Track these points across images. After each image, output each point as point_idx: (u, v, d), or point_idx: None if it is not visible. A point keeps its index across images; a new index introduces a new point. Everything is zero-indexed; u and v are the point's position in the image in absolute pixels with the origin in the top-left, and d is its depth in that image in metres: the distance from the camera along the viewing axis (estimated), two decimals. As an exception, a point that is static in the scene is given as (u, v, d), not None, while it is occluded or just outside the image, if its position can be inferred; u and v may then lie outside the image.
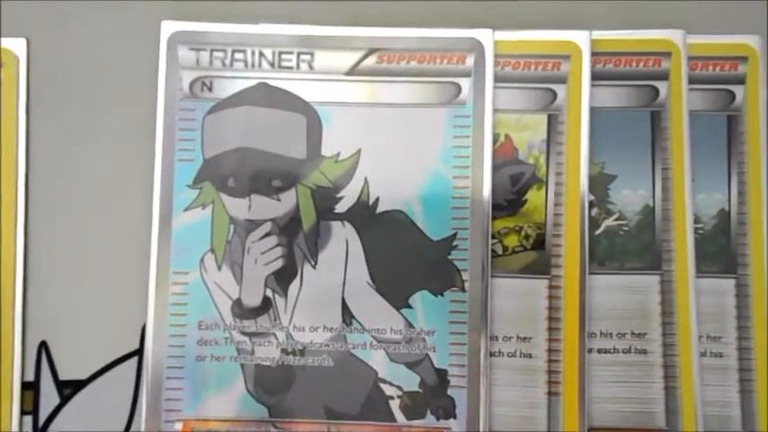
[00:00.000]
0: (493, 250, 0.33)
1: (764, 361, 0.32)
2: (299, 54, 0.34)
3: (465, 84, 0.33)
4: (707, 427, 0.32)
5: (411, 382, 0.32)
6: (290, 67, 0.34)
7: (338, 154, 0.33)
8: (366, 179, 0.33)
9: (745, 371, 0.32)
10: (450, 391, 0.32)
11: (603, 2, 0.34)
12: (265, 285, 0.33)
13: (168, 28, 0.34)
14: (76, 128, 0.34)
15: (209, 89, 0.34)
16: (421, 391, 0.32)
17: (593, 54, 0.33)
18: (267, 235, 0.33)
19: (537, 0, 0.34)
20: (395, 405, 0.32)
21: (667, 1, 0.34)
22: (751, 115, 0.33)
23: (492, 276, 0.33)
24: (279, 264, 0.33)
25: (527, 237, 0.33)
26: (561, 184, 0.33)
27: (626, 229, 0.33)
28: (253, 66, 0.34)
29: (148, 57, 0.34)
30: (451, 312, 0.32)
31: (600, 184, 0.33)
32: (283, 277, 0.33)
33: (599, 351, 0.32)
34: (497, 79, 0.33)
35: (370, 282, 0.33)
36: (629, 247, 0.33)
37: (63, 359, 0.33)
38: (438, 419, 0.32)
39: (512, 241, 0.33)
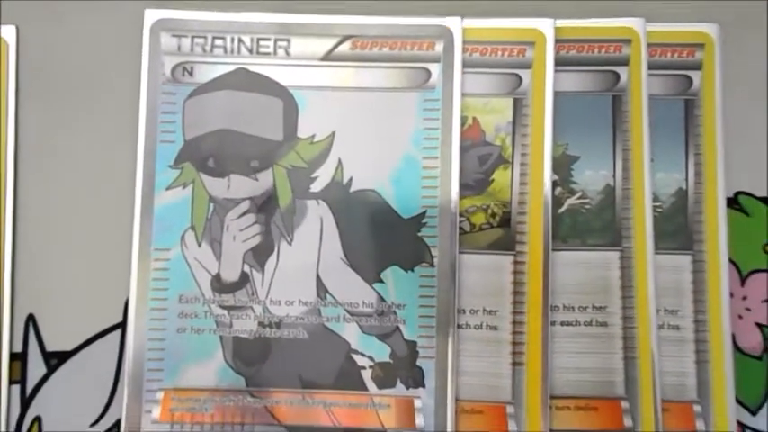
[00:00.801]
0: (461, 227, 0.34)
1: (719, 333, 0.34)
2: (276, 41, 0.35)
3: (435, 69, 0.35)
4: (664, 395, 0.33)
5: (382, 353, 0.34)
6: (268, 53, 0.35)
7: (313, 136, 0.35)
8: (340, 160, 0.35)
9: (700, 342, 0.34)
10: (419, 362, 0.33)
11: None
12: (243, 261, 0.34)
13: (151, 16, 0.35)
14: (64, 111, 0.35)
15: (190, 74, 0.35)
16: (391, 361, 0.34)
17: (557, 41, 0.35)
18: (245, 213, 0.34)
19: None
20: (366, 375, 0.34)
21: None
22: (707, 99, 0.35)
23: (460, 252, 0.34)
24: (256, 240, 0.34)
25: (493, 215, 0.34)
26: (526, 164, 0.34)
27: (588, 207, 0.35)
28: (232, 52, 0.35)
29: (132, 43, 0.35)
30: (421, 287, 0.34)
31: (563, 164, 0.35)
32: (260, 253, 0.34)
33: (562, 324, 0.34)
34: (466, 65, 0.35)
35: (344, 258, 0.34)
36: (591, 224, 0.34)
37: (49, 331, 0.34)
38: (408, 388, 0.33)
39: (479, 219, 0.35)
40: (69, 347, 0.34)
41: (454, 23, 0.35)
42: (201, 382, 0.34)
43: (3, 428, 0.34)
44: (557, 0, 0.35)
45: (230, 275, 0.34)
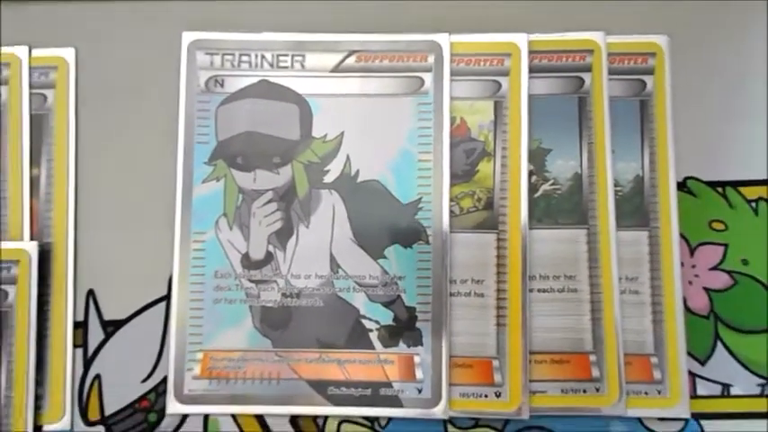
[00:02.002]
0: (451, 211, 0.39)
1: (672, 296, 0.38)
2: (292, 56, 0.41)
3: (427, 77, 0.40)
4: (625, 350, 0.38)
5: (386, 317, 0.39)
6: (286, 67, 0.41)
7: (325, 135, 0.40)
8: (348, 155, 0.40)
9: (656, 305, 0.38)
10: (417, 325, 0.38)
11: (540, 8, 0.41)
12: (268, 242, 0.39)
13: (188, 37, 0.41)
14: (116, 119, 0.41)
15: (221, 85, 0.40)
16: (394, 324, 0.39)
17: (531, 52, 0.40)
18: (269, 202, 0.40)
19: (486, 8, 0.41)
20: (374, 336, 0.39)
21: (592, 2, 0.41)
22: (659, 99, 0.40)
23: (451, 232, 0.39)
24: (279, 225, 0.39)
25: (479, 199, 0.40)
26: (506, 156, 0.40)
27: (559, 192, 0.40)
28: (256, 66, 0.41)
29: (172, 60, 0.41)
30: (419, 261, 0.39)
31: (538, 156, 0.40)
32: (282, 235, 0.39)
33: (538, 290, 0.39)
34: (453, 73, 0.40)
35: (353, 238, 0.39)
36: (562, 206, 0.39)
37: (106, 303, 0.40)
38: (408, 347, 0.38)
39: (467, 203, 0.40)
40: (123, 317, 0.39)
41: (443, 39, 0.40)
42: (234, 344, 0.39)
43: (68, 386, 0.39)
44: (530, 15, 0.41)
45: (257, 254, 0.39)
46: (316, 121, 0.40)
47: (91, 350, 0.39)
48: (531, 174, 0.39)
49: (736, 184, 0.40)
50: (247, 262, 0.39)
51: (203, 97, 0.40)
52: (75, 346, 0.39)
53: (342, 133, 0.40)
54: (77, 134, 0.41)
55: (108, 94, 0.41)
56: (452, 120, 0.40)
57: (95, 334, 0.39)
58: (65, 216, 0.40)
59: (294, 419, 0.39)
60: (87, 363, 0.39)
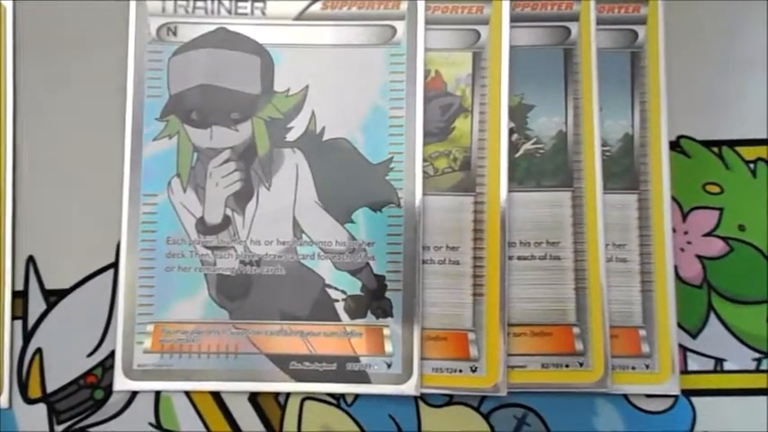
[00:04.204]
0: (425, 172, 0.37)
1: (662, 265, 0.36)
2: (252, 2, 0.37)
3: (400, 26, 0.37)
4: (612, 321, 0.35)
5: (354, 286, 0.36)
6: (246, 14, 0.38)
7: (288, 89, 0.37)
8: (313, 111, 0.37)
9: (645, 273, 0.36)
10: (387, 294, 0.36)
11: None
12: (225, 205, 0.37)
13: (137, -20, 0.38)
14: (58, 69, 0.38)
15: (174, 34, 0.37)
16: (362, 294, 0.36)
17: None
18: (227, 161, 0.37)
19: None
20: (340, 307, 0.36)
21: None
22: (651, 52, 0.37)
23: (424, 195, 0.37)
24: (237, 186, 0.37)
25: (455, 159, 0.37)
26: (485, 113, 0.37)
27: (542, 152, 0.37)
28: (212, 12, 0.38)
29: (120, 6, 0.37)
30: (389, 226, 0.36)
31: (519, 113, 0.37)
32: (241, 198, 0.37)
33: (518, 258, 0.36)
34: (428, 21, 0.37)
35: (318, 201, 0.37)
36: (545, 167, 0.37)
37: (48, 271, 0.37)
38: (377, 318, 0.36)
39: (441, 163, 0.37)
40: (66, 286, 0.37)
41: (417, -16, 0.37)
42: (188, 315, 0.36)
43: (7, 361, 0.36)
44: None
45: (213, 218, 0.37)
46: (278, 73, 0.37)
47: (31, 322, 0.37)
48: (511, 132, 0.37)
49: (732, 144, 0.37)
50: (203, 227, 0.36)
51: (154, 47, 0.37)
52: (13, 317, 0.36)
53: (306, 87, 0.37)
54: (15, 88, 0.37)
55: (49, 44, 0.38)
56: (427, 73, 0.37)
57: (36, 304, 0.37)
58: (1, 176, 0.37)
59: (253, 397, 0.36)
60: (27, 335, 0.36)
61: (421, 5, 0.37)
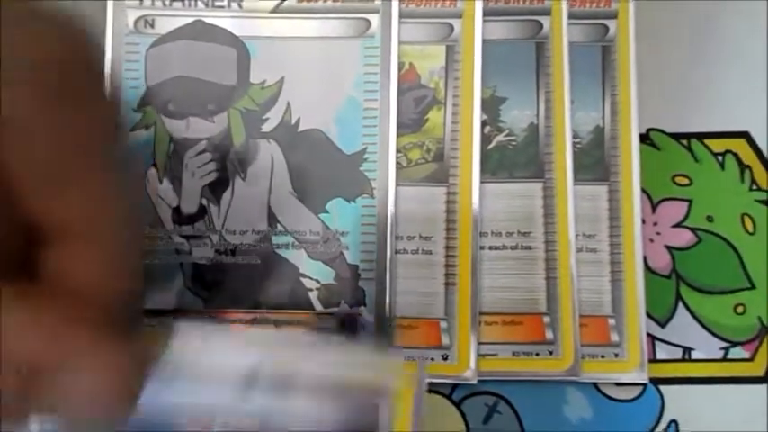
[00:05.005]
0: (398, 162, 0.37)
1: (632, 255, 0.36)
2: (229, -5, 0.38)
3: (374, 19, 0.38)
4: (582, 311, 0.36)
5: (327, 276, 0.36)
6: (222, 6, 0.38)
7: (264, 81, 0.38)
8: (289, 103, 0.37)
9: (615, 263, 0.36)
10: (360, 283, 0.36)
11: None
12: (201, 195, 0.37)
13: (115, -27, 0.38)
14: None
15: (152, 26, 0.38)
16: (336, 283, 0.36)
17: None
18: (202, 152, 0.37)
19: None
20: (314, 296, 0.36)
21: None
22: (622, 45, 0.38)
23: (398, 185, 0.37)
24: (213, 176, 0.37)
25: (428, 150, 0.37)
26: (458, 105, 0.37)
27: (514, 144, 0.37)
28: (189, 5, 0.38)
29: (98, -2, 0.38)
30: (363, 216, 0.37)
31: (492, 105, 0.38)
32: (217, 188, 0.37)
33: (490, 248, 0.37)
34: (402, 15, 0.37)
35: (293, 191, 0.37)
36: (517, 159, 0.37)
37: None
38: (351, 307, 0.36)
39: (415, 155, 0.37)
40: None
41: (392, -22, 0.38)
42: (164, 304, 0.36)
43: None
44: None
45: (189, 208, 0.37)
46: (254, 65, 0.37)
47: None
48: (484, 124, 0.37)
49: (701, 137, 0.38)
50: (178, 217, 0.37)
51: (132, 38, 0.37)
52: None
53: (282, 79, 0.37)
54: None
55: (28, 34, 0.38)
56: (401, 65, 0.37)
57: (13, 293, 0.37)
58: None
59: (228, 385, 0.36)
60: None
61: (395, -1, 0.38)
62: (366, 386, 0.24)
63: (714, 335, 0.36)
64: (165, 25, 0.38)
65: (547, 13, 0.38)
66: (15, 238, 0.21)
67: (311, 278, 0.36)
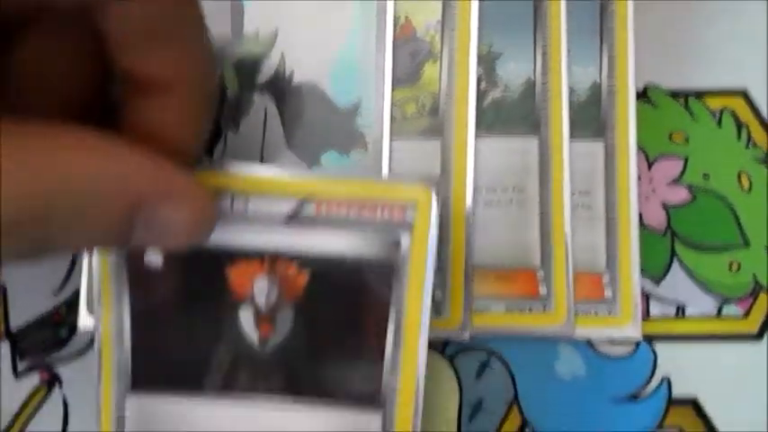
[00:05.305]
0: (393, 116, 0.37)
1: (627, 212, 0.36)
2: (223, -56, 0.38)
3: (370, -28, 0.37)
4: (575, 267, 0.35)
5: None
6: (216, -44, 0.38)
7: (258, 33, 0.37)
8: (282, 55, 0.37)
9: (610, 220, 0.36)
10: None
11: None
12: None
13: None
14: None
15: (145, -25, 0.38)
16: None
17: None
18: None
19: None
20: None
21: None
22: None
23: (392, 139, 0.37)
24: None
25: (423, 105, 0.37)
26: (453, 59, 0.37)
27: (510, 99, 0.37)
28: (183, -45, 0.38)
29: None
30: (357, 169, 0.37)
31: (488, 60, 0.37)
32: (209, 140, 0.37)
33: (484, 203, 0.36)
34: (398, -32, 0.37)
35: (286, 144, 0.37)
36: (513, 114, 0.37)
37: None
38: (343, 261, 0.36)
39: (410, 109, 0.37)
40: None
41: (388, -70, 0.37)
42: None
43: (-28, 298, 0.36)
44: None
45: (181, 160, 0.37)
46: (247, 16, 0.37)
47: (-3, 260, 0.36)
48: (479, 80, 0.37)
49: (699, 94, 0.38)
50: (170, 168, 0.36)
51: (124, -12, 0.37)
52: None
53: (276, 31, 0.37)
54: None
55: None
56: (396, 19, 0.37)
57: (2, 243, 0.36)
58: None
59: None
60: (-8, 273, 0.36)
61: (392, -49, 0.37)
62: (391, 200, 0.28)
63: (708, 292, 0.36)
64: (159, -25, 0.37)
65: (545, -33, 0.37)
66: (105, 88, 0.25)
67: (304, 231, 0.36)
